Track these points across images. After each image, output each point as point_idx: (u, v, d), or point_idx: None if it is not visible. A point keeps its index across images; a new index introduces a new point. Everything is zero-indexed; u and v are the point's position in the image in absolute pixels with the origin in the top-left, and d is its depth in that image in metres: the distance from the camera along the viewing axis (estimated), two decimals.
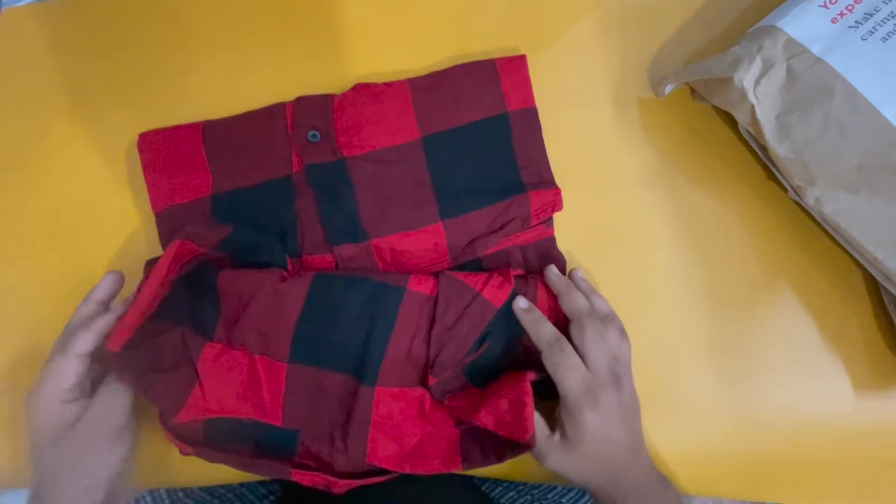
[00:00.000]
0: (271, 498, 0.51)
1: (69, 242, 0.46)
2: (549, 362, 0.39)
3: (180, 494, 0.49)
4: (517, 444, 0.38)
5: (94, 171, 0.46)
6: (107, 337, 0.38)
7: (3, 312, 0.46)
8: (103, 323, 0.39)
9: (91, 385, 0.39)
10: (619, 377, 0.39)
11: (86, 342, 0.38)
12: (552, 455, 0.38)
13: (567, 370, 0.38)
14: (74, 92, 0.48)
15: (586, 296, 0.41)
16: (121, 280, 0.42)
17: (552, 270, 0.42)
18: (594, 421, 0.37)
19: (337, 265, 0.43)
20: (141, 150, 0.45)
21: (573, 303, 0.40)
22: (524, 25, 0.47)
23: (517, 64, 0.45)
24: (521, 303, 0.41)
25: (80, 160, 0.47)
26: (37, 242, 0.46)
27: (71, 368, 0.38)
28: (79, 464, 0.37)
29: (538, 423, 0.38)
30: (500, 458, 0.39)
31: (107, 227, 0.46)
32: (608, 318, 0.41)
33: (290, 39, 0.47)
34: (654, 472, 0.39)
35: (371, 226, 0.43)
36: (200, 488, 0.49)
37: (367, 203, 0.43)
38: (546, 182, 0.44)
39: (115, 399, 0.38)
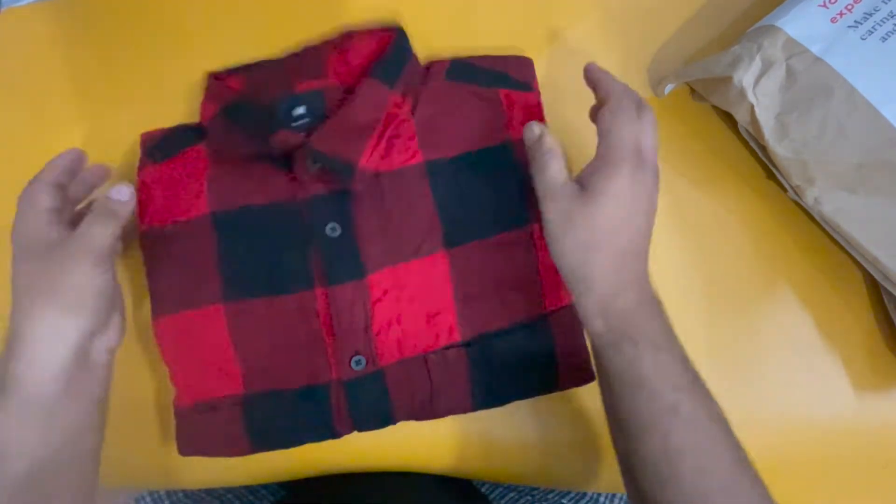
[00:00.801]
0: (271, 499, 0.51)
1: None
2: (613, 112, 0.35)
3: (180, 495, 0.50)
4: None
5: None
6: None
7: (2, 312, 0.46)
8: (65, 156, 0.38)
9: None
10: (646, 159, 0.34)
11: (51, 171, 0.37)
12: (560, 201, 0.34)
13: (626, 123, 0.34)
14: (74, 92, 0.48)
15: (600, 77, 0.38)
16: (81, 159, 0.39)
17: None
18: (628, 184, 0.33)
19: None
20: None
21: (611, 83, 0.37)
22: (524, 25, 0.47)
23: (524, 90, 0.45)
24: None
25: None
26: None
27: (44, 191, 0.36)
28: (55, 289, 0.34)
29: (561, 163, 0.35)
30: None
31: None
32: (644, 106, 0.36)
33: (290, 40, 0.47)
34: (652, 288, 0.35)
35: (371, 257, 0.42)
36: (200, 489, 0.49)
37: (368, 231, 0.42)
38: None
39: (106, 222, 0.36)
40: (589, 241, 0.34)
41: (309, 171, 0.41)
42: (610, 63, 0.47)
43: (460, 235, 0.42)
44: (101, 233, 0.35)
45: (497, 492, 0.52)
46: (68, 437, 0.34)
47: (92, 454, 0.36)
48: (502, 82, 0.44)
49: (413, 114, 0.43)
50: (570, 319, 0.42)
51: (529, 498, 0.51)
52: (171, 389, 0.42)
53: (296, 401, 0.41)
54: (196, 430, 0.41)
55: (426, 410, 0.41)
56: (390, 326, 0.42)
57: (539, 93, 0.45)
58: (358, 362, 0.41)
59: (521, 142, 0.43)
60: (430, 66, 0.45)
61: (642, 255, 0.36)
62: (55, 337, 0.34)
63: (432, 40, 0.47)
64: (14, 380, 0.33)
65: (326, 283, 0.41)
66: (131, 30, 0.48)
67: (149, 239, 0.43)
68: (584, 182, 0.35)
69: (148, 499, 0.50)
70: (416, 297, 0.42)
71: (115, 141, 0.47)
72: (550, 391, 0.42)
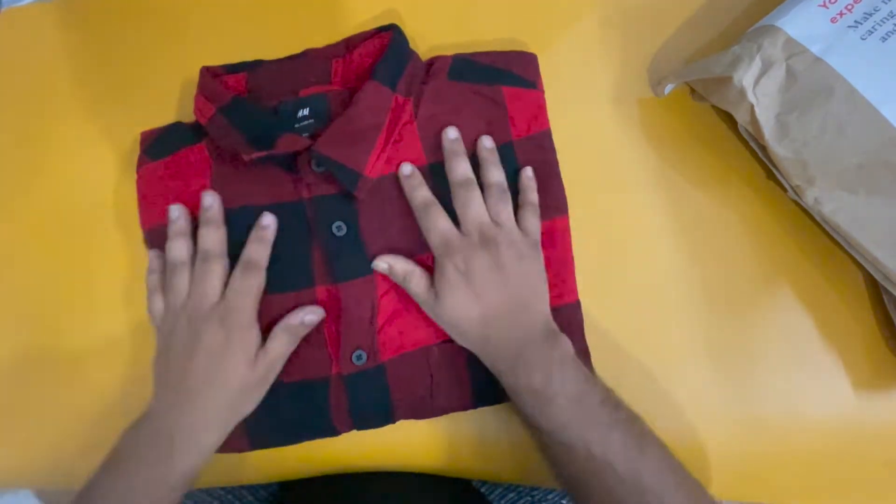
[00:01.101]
0: (270, 499, 0.51)
1: (69, 242, 0.46)
2: (421, 224, 0.41)
3: None
4: None
5: (95, 171, 0.46)
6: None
7: (2, 312, 0.46)
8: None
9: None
10: (492, 237, 0.39)
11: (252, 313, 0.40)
12: (429, 308, 0.40)
13: (429, 230, 0.40)
14: (74, 92, 0.48)
15: (484, 166, 0.42)
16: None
17: (448, 132, 0.43)
18: (453, 275, 0.39)
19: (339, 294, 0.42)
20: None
21: (451, 168, 0.42)
22: (524, 25, 0.47)
23: (528, 87, 0.45)
24: (404, 169, 0.43)
25: (81, 160, 0.47)
26: (37, 242, 0.46)
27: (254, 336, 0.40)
28: (245, 397, 0.39)
29: (419, 278, 0.41)
30: None
31: (107, 226, 0.46)
32: (495, 187, 0.41)
33: (290, 39, 0.47)
34: (537, 330, 0.39)
35: (376, 254, 0.42)
36: (199, 489, 0.49)
37: (372, 229, 0.42)
38: (557, 209, 0.44)
39: (294, 343, 0.41)
40: (453, 328, 0.40)
41: (313, 173, 0.42)
42: (610, 63, 0.47)
43: None
44: (286, 356, 0.41)
45: (497, 492, 0.52)
46: None
47: None
48: (505, 80, 0.44)
49: (416, 114, 0.43)
50: (570, 317, 0.42)
51: (529, 498, 0.51)
52: None
53: (294, 395, 0.41)
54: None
55: (426, 407, 0.41)
56: (394, 320, 0.42)
57: (543, 91, 0.45)
58: (359, 357, 0.41)
59: (524, 140, 0.44)
60: (433, 63, 0.45)
61: (518, 311, 0.39)
62: (219, 438, 0.39)
63: (432, 39, 0.47)
64: (181, 474, 0.37)
65: (331, 281, 0.42)
66: (131, 30, 0.48)
67: (154, 236, 0.43)
68: (434, 287, 0.40)
69: None
70: None
71: (114, 140, 0.47)
72: None
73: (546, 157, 0.44)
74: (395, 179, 0.43)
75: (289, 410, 0.41)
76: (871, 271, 0.40)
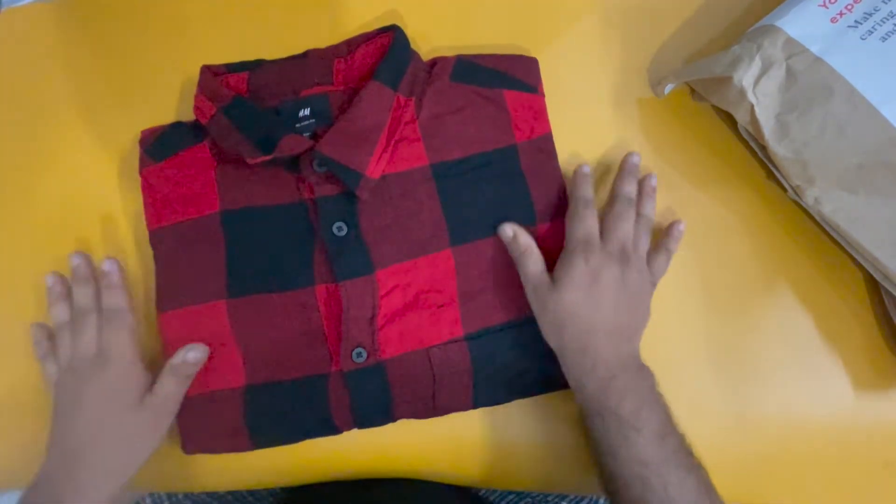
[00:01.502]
0: (270, 500, 0.51)
1: (70, 241, 0.46)
2: (570, 215, 0.41)
3: (180, 496, 0.49)
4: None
5: (95, 171, 0.46)
6: None
7: (2, 313, 0.46)
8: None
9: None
10: (628, 258, 0.40)
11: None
12: (538, 291, 0.40)
13: (580, 221, 0.41)
14: (74, 92, 0.48)
15: (641, 193, 0.43)
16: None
17: (632, 157, 0.44)
18: (582, 273, 0.39)
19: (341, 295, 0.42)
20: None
21: (621, 185, 0.43)
22: (524, 25, 0.47)
23: (529, 91, 0.45)
24: (584, 168, 0.43)
25: (81, 160, 0.47)
26: (37, 242, 0.46)
27: (142, 373, 0.40)
28: (134, 443, 0.39)
29: (537, 258, 0.41)
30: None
31: (107, 226, 0.46)
32: (646, 219, 0.43)
33: (290, 39, 0.47)
34: (632, 359, 0.39)
35: (378, 254, 0.42)
36: (204, 492, 0.49)
37: (373, 229, 0.42)
38: (558, 212, 0.44)
39: (183, 385, 0.41)
40: (558, 323, 0.39)
41: (315, 173, 0.42)
42: (610, 63, 0.47)
43: (466, 234, 0.43)
44: (177, 398, 0.41)
45: (497, 494, 0.52)
46: None
47: None
48: (507, 83, 0.44)
49: (417, 115, 0.43)
50: None
51: (529, 500, 0.51)
52: None
53: (294, 391, 0.41)
54: (197, 424, 0.42)
55: (427, 407, 0.41)
56: (395, 320, 0.42)
57: (544, 95, 0.45)
58: (359, 355, 0.41)
59: (526, 143, 0.44)
60: (435, 64, 0.45)
61: (620, 335, 0.39)
62: (113, 487, 0.38)
63: (433, 40, 0.47)
64: None
65: (332, 280, 0.42)
66: (131, 30, 0.48)
67: (159, 238, 0.44)
68: (553, 274, 0.40)
69: (148, 500, 0.50)
70: (421, 291, 0.42)
71: (114, 140, 0.47)
72: (552, 390, 0.42)
73: (548, 161, 0.44)
74: (398, 179, 0.43)
75: (289, 408, 0.41)
76: (871, 271, 0.40)
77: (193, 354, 0.40)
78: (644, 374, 0.39)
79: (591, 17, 0.48)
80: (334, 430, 0.41)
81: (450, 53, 0.46)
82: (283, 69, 0.45)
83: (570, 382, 0.39)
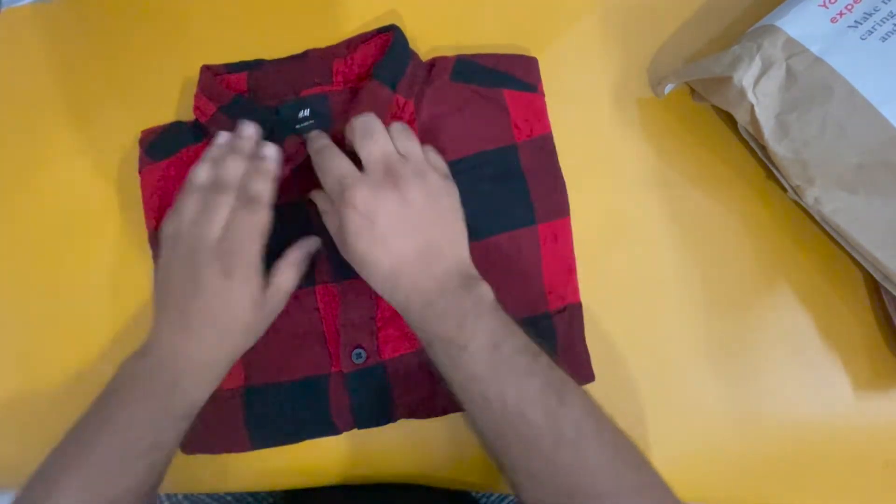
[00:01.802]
0: (270, 500, 0.51)
1: (70, 242, 0.46)
2: (317, 171, 0.38)
3: (179, 497, 0.49)
4: None
5: (94, 171, 0.46)
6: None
7: (2, 313, 0.46)
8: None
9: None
10: (396, 172, 0.36)
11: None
12: (339, 247, 0.38)
13: (325, 173, 0.37)
14: (74, 92, 0.48)
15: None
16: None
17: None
18: (355, 220, 0.35)
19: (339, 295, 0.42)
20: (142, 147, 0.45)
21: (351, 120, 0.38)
22: (524, 25, 0.47)
23: (529, 92, 0.45)
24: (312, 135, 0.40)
25: (80, 160, 0.47)
26: (36, 242, 0.46)
27: (267, 217, 0.37)
28: (251, 335, 0.38)
29: (333, 213, 0.37)
30: None
31: (107, 226, 0.46)
32: (396, 127, 0.38)
33: (290, 39, 0.47)
34: (452, 277, 0.36)
35: None
36: (205, 493, 0.49)
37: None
38: (559, 212, 0.44)
39: (298, 280, 0.39)
40: (365, 277, 0.37)
41: (316, 174, 0.42)
42: (610, 63, 0.47)
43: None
44: (287, 286, 0.39)
45: (494, 497, 0.52)
46: None
47: None
48: (506, 82, 0.44)
49: (417, 116, 0.43)
50: (572, 319, 0.42)
51: None
52: None
53: (294, 392, 0.41)
54: (197, 425, 0.42)
55: (428, 407, 0.41)
56: (396, 320, 0.42)
57: (543, 94, 0.45)
58: (358, 355, 0.41)
59: (526, 143, 0.44)
60: (434, 63, 0.45)
61: (431, 255, 0.36)
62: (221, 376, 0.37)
63: (433, 39, 0.47)
64: (188, 406, 0.36)
65: (332, 280, 0.42)
66: (130, 29, 0.48)
67: (158, 238, 0.43)
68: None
69: None
70: None
71: (114, 140, 0.47)
72: None
73: (548, 160, 0.44)
74: None
75: (289, 409, 0.42)
76: (871, 271, 0.40)
77: (313, 244, 0.40)
78: (467, 288, 0.35)
79: (591, 17, 0.48)
80: (334, 430, 0.42)
81: (449, 53, 0.46)
82: (283, 69, 0.45)
83: (409, 326, 0.37)
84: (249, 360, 0.42)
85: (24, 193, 0.46)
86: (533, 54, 0.46)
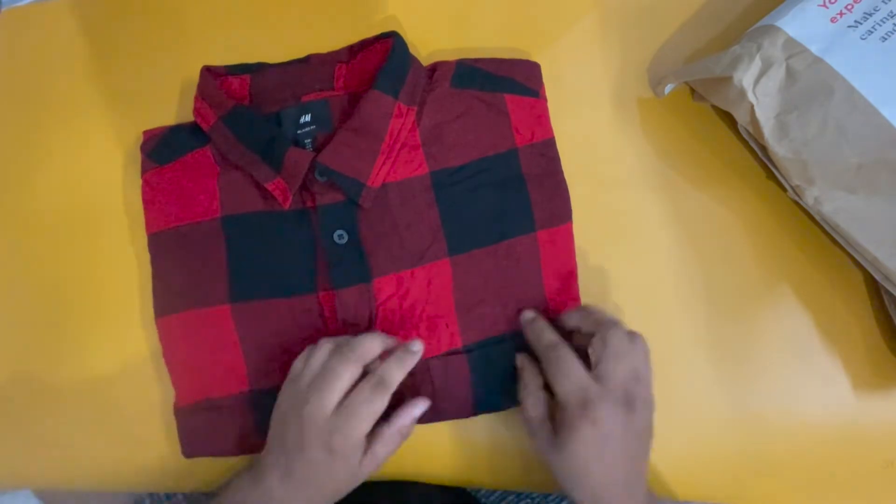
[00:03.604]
0: None
1: (71, 242, 0.46)
2: (546, 368, 0.37)
3: (180, 497, 0.49)
4: None
5: (94, 171, 0.46)
6: None
7: (5, 312, 0.46)
8: (390, 341, 0.39)
9: None
10: (634, 400, 0.35)
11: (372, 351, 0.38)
12: (540, 440, 0.37)
13: (563, 376, 0.36)
14: (75, 91, 0.48)
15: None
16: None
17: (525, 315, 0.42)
18: (588, 438, 0.34)
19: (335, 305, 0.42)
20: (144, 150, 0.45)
21: (598, 315, 0.39)
22: (524, 26, 0.47)
23: (530, 95, 0.45)
24: (527, 314, 0.41)
25: (81, 160, 0.47)
26: (36, 242, 0.46)
27: (381, 397, 0.37)
28: (334, 497, 0.37)
29: (536, 397, 0.37)
30: None
31: (107, 226, 0.46)
32: (635, 336, 0.38)
33: (290, 40, 0.47)
34: (646, 497, 0.37)
35: (376, 263, 0.42)
36: (199, 492, 0.49)
37: (372, 238, 0.42)
38: (561, 217, 0.43)
39: (397, 447, 0.38)
40: (565, 478, 0.36)
41: (317, 182, 0.42)
42: (610, 63, 0.47)
43: (464, 243, 0.43)
44: (386, 455, 0.38)
45: (494, 496, 0.52)
46: None
47: None
48: (508, 87, 0.44)
49: (418, 123, 0.44)
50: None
51: (529, 500, 0.51)
52: (172, 392, 0.42)
53: None
54: (200, 430, 0.42)
55: (427, 414, 0.41)
56: (392, 330, 0.42)
57: (546, 99, 0.45)
58: None
59: (527, 147, 0.44)
60: (436, 69, 0.45)
61: (633, 486, 0.36)
62: None
63: (433, 41, 0.47)
64: None
65: (331, 287, 0.42)
66: (131, 29, 0.48)
67: (159, 241, 0.44)
68: (557, 426, 0.36)
69: (147, 501, 0.50)
70: (418, 302, 0.42)
71: (114, 141, 0.47)
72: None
73: (550, 166, 0.44)
74: (398, 188, 0.43)
75: None
76: (871, 271, 0.40)
77: (419, 411, 0.39)
78: None
79: (591, 17, 0.48)
80: None
81: (450, 56, 0.45)
82: (285, 73, 0.45)
83: None
84: (254, 365, 0.42)
85: (23, 194, 0.46)
86: (533, 55, 0.46)
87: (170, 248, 0.43)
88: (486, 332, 0.42)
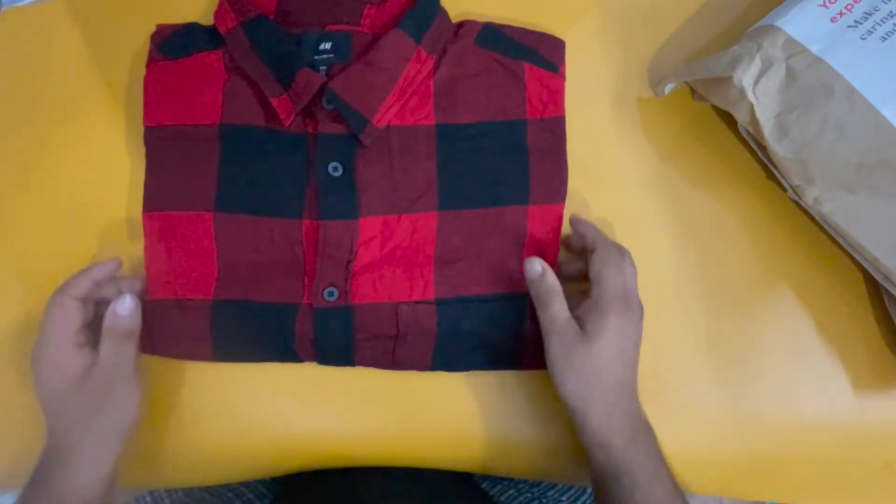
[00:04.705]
0: (270, 497, 0.51)
1: (69, 242, 0.46)
2: (603, 260, 0.38)
3: (180, 493, 0.50)
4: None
5: (94, 171, 0.46)
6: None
7: (5, 313, 0.46)
8: (97, 270, 0.40)
9: (94, 336, 0.39)
10: (639, 310, 0.39)
11: (80, 286, 0.38)
12: (564, 339, 0.37)
13: (619, 272, 0.38)
14: (74, 91, 0.48)
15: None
16: (118, 268, 0.42)
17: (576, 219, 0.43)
18: (617, 331, 0.37)
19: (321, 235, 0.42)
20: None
21: (597, 234, 0.41)
22: (524, 25, 0.47)
23: (550, 71, 0.45)
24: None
25: (80, 160, 0.47)
26: (36, 241, 0.46)
27: (74, 309, 0.37)
28: (96, 415, 0.37)
29: (563, 302, 0.38)
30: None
31: (107, 226, 0.46)
32: (625, 253, 0.40)
33: None
34: (643, 417, 0.39)
35: (366, 202, 0.42)
36: (200, 487, 0.49)
37: (367, 177, 0.43)
38: (556, 197, 0.44)
39: (124, 342, 0.38)
40: (587, 379, 0.37)
41: (323, 109, 0.42)
42: (610, 63, 0.47)
43: (455, 201, 0.43)
44: (124, 357, 0.38)
45: (497, 489, 0.52)
46: None
47: None
48: (530, 57, 0.44)
49: (434, 73, 0.44)
50: None
51: (529, 496, 0.51)
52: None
53: (262, 313, 0.42)
54: (162, 327, 0.42)
55: (387, 359, 0.42)
56: (372, 269, 0.42)
57: (564, 78, 0.45)
58: (331, 294, 0.42)
59: (537, 121, 0.44)
60: (462, 25, 0.45)
61: (633, 387, 0.39)
62: (100, 458, 0.37)
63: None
64: (60, 493, 0.36)
65: (318, 217, 0.42)
66: (131, 30, 0.48)
67: (154, 135, 0.44)
68: (581, 322, 0.37)
69: (148, 498, 0.50)
70: (399, 248, 0.43)
71: (114, 141, 0.47)
72: (514, 368, 0.43)
73: (556, 143, 0.44)
74: (401, 133, 0.43)
75: (254, 329, 0.42)
76: (871, 271, 0.40)
77: (122, 306, 0.38)
78: (652, 430, 0.38)
79: (591, 17, 0.48)
80: (295, 358, 0.42)
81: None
82: (314, 1, 0.44)
83: (591, 440, 0.37)
84: (225, 274, 0.42)
85: (23, 194, 0.46)
86: None
87: (165, 145, 0.44)
88: (458, 290, 0.43)
